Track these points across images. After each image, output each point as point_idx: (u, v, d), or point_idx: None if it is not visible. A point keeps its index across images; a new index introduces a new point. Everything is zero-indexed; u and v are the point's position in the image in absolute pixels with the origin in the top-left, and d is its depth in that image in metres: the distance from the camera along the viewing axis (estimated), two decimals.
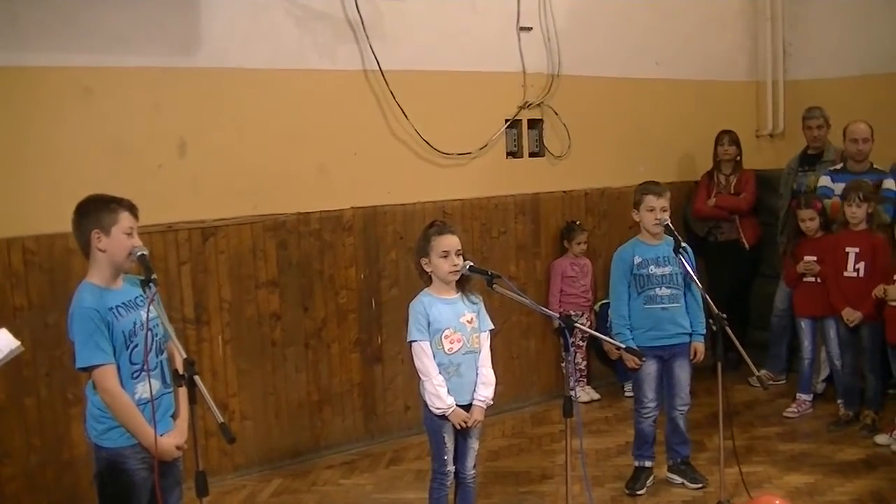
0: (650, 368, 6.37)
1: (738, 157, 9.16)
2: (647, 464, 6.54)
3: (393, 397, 7.70)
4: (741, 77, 10.22)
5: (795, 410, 7.92)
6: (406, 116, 7.55)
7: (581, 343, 8.51)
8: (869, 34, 9.46)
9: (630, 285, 6.37)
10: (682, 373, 6.41)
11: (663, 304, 6.33)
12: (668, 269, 6.32)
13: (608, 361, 8.82)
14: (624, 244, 6.57)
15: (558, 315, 5.06)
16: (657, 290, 6.32)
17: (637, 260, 6.35)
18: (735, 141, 9.12)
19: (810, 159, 8.64)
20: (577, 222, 8.65)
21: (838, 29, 9.73)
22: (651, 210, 6.25)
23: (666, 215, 6.24)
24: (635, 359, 6.18)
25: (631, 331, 6.35)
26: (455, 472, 5.33)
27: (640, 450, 6.53)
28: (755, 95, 10.33)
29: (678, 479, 6.56)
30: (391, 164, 7.60)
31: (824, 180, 8.13)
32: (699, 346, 6.39)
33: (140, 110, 6.43)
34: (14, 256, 5.97)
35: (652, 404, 6.43)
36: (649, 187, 6.33)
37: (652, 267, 6.32)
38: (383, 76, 7.41)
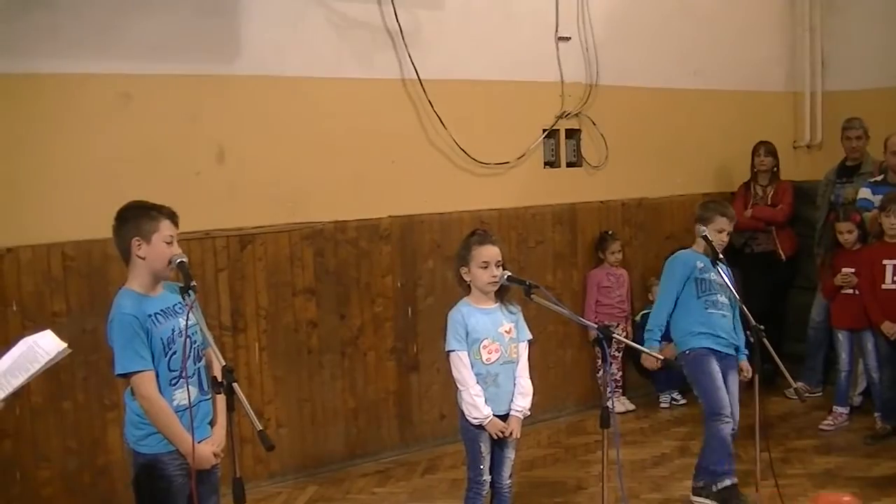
0: (715, 366, 6.19)
1: (776, 168, 9.10)
2: (730, 481, 6.15)
3: (429, 406, 7.70)
4: (779, 87, 10.17)
5: (832, 423, 7.86)
6: (444, 125, 7.56)
7: (616, 354, 8.48)
8: None
9: (690, 290, 6.28)
10: (733, 387, 6.26)
11: (723, 311, 6.27)
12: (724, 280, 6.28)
13: (644, 372, 8.78)
14: (680, 250, 6.54)
15: (597, 326, 5.02)
16: (718, 296, 6.26)
17: (700, 265, 6.29)
18: (772, 152, 9.06)
19: (848, 171, 8.59)
20: (610, 232, 8.63)
21: (876, 40, 9.65)
22: (720, 231, 6.25)
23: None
24: (653, 359, 5.92)
25: (661, 340, 6.32)
26: (491, 482, 5.30)
27: (719, 464, 6.15)
28: (793, 106, 10.27)
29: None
30: (428, 172, 7.60)
31: (864, 192, 8.07)
32: (746, 364, 6.23)
33: (178, 117, 6.47)
34: (53, 262, 6.02)
35: (728, 409, 6.13)
36: (724, 210, 6.32)
37: (712, 274, 6.25)
38: (421, 85, 7.42)
